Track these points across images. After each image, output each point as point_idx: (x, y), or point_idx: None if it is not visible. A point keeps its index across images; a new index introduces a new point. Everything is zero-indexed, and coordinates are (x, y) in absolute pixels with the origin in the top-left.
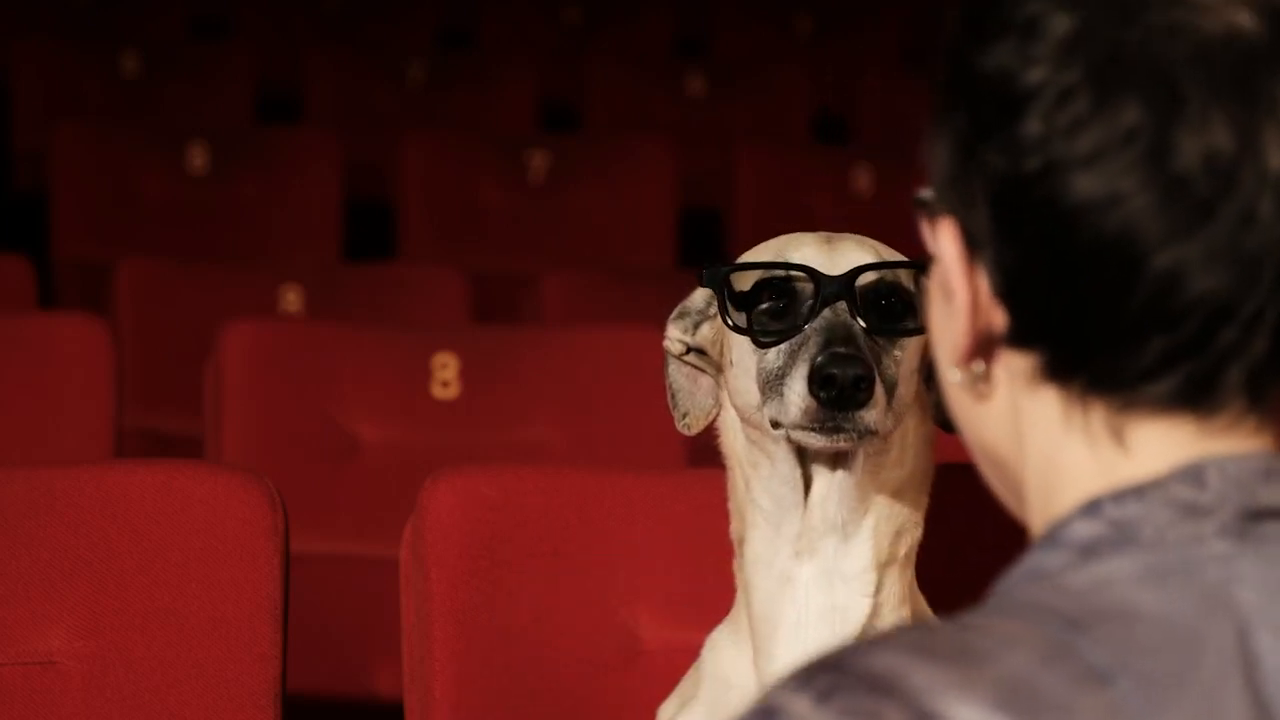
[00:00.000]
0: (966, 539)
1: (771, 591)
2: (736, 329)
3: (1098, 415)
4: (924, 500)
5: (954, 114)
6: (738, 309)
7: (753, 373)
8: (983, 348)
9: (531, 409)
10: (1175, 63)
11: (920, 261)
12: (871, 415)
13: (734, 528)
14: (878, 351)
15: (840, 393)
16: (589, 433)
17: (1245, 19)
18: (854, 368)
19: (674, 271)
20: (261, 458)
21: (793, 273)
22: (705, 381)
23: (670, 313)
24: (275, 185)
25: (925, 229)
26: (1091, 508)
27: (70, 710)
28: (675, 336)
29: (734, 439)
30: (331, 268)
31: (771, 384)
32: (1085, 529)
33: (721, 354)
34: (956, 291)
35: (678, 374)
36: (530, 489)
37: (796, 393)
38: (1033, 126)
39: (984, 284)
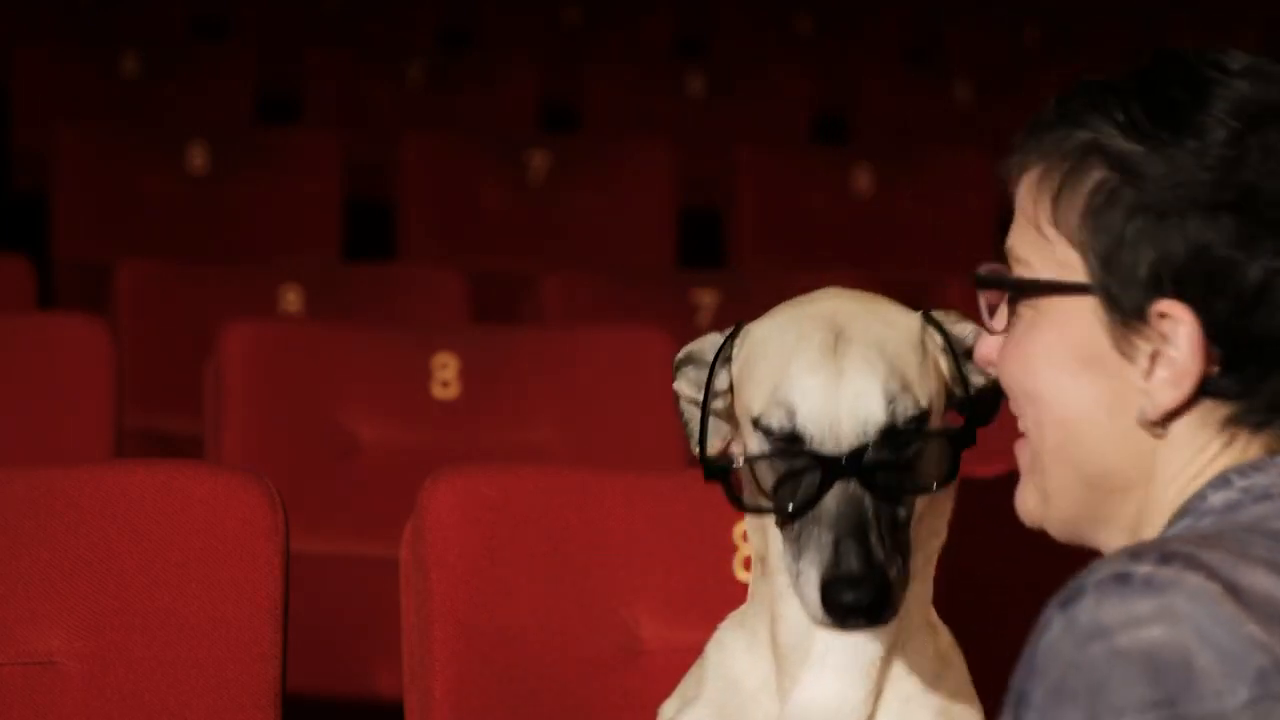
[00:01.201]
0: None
1: (800, 623)
2: (759, 494)
3: (1257, 444)
4: (944, 527)
5: (1210, 219)
6: (755, 430)
7: (769, 486)
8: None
9: (531, 409)
10: None
11: (939, 420)
12: (888, 613)
13: (755, 544)
14: (895, 515)
15: (855, 611)
16: (589, 433)
17: None
18: (866, 595)
19: (674, 271)
20: (261, 458)
21: (799, 429)
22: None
23: (670, 311)
24: (275, 185)
25: (992, 304)
26: (1221, 481)
27: (70, 710)
28: (685, 393)
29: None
30: (331, 268)
31: (787, 531)
32: (1221, 496)
33: (738, 423)
34: (1189, 367)
35: (689, 408)
36: (530, 489)
37: (812, 586)
38: None
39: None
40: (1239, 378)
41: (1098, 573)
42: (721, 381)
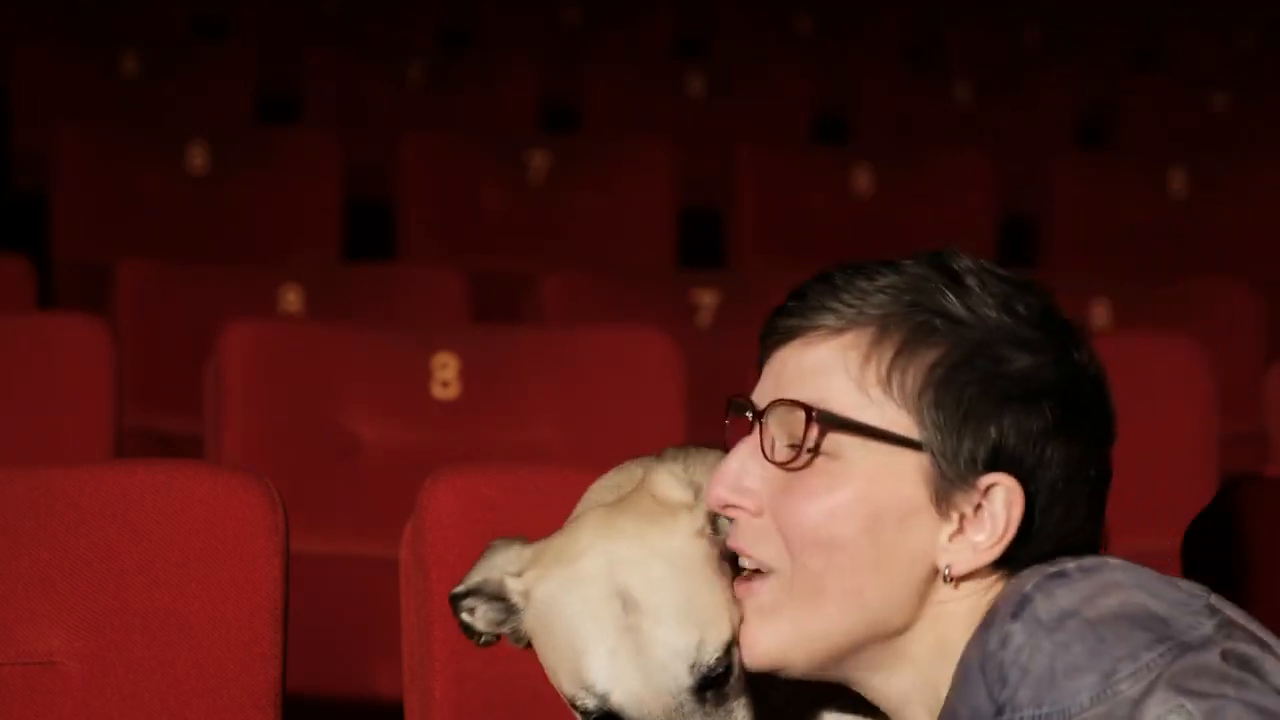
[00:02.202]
0: None
1: None
2: None
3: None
4: None
5: (1034, 408)
6: (570, 705)
7: None
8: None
9: (531, 409)
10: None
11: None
12: None
13: None
14: None
15: None
16: (589, 433)
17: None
18: None
19: (674, 271)
20: (261, 458)
21: (613, 709)
22: None
23: (670, 311)
24: (275, 185)
25: (812, 432)
26: (1025, 597)
27: (70, 710)
28: (479, 628)
29: None
30: (331, 268)
31: None
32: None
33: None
34: (1007, 534)
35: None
36: (530, 489)
37: None
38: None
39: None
40: (1024, 537)
41: (1028, 581)
42: (522, 626)
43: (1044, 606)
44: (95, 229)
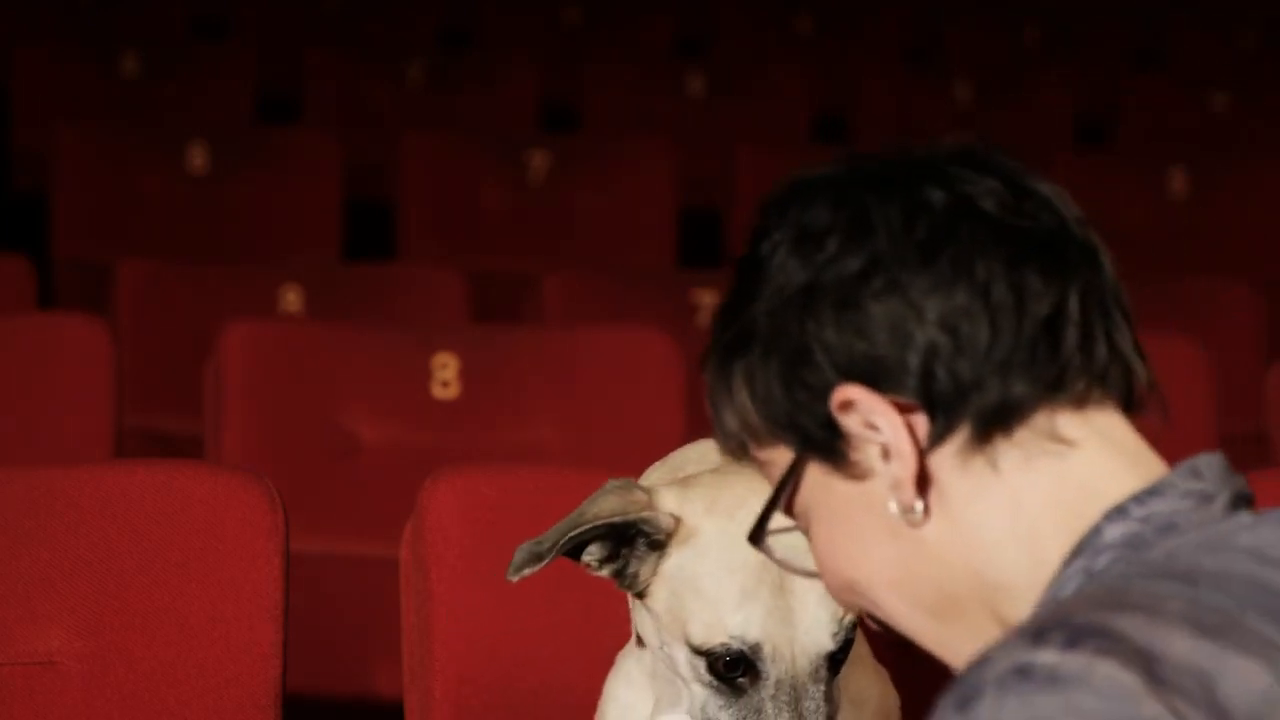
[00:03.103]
0: None
1: None
2: (706, 683)
3: (1020, 443)
4: None
5: (799, 315)
6: (694, 654)
7: (700, 697)
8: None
9: (531, 409)
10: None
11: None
12: None
13: (646, 641)
14: (832, 701)
15: None
16: (589, 433)
17: None
18: None
19: (674, 271)
20: (261, 458)
21: (751, 662)
22: None
23: (670, 311)
24: (275, 185)
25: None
26: (1116, 513)
27: (70, 710)
28: (598, 573)
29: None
30: (331, 268)
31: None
32: (1119, 530)
33: (643, 597)
34: (893, 420)
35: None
36: (530, 489)
37: None
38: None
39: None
40: (939, 404)
41: (996, 664)
42: (646, 571)
43: (987, 715)
44: (95, 229)
